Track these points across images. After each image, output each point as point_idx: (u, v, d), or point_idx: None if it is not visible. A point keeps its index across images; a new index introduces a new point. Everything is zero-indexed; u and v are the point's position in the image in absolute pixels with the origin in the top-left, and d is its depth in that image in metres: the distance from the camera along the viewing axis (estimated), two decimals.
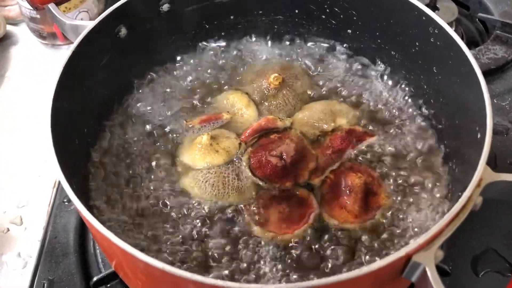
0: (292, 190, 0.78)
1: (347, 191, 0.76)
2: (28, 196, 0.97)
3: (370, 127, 0.86)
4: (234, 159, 0.81)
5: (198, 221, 0.76)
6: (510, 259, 0.84)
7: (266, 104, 0.89)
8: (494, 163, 0.96)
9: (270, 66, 0.94)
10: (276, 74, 0.89)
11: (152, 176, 0.82)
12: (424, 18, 0.80)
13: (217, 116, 0.87)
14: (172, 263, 0.71)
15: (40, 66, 1.19)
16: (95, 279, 0.81)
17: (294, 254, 0.72)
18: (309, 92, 0.91)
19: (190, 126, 0.86)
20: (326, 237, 0.74)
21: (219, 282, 0.52)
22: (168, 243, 0.74)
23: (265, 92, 0.89)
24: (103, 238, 0.58)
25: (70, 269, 0.84)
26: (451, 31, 0.76)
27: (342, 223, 0.75)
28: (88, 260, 0.86)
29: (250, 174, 0.79)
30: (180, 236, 0.74)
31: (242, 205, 0.76)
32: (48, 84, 0.72)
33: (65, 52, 0.76)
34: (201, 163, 0.80)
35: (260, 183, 0.78)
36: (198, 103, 0.91)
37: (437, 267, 0.58)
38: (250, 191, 0.78)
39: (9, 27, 1.26)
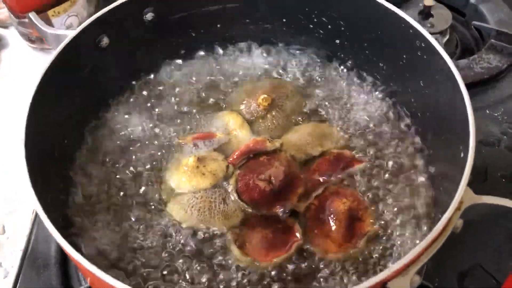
0: (278, 216, 0.75)
1: (331, 218, 0.74)
2: (12, 204, 0.96)
3: (357, 146, 0.84)
4: (222, 182, 0.79)
5: (178, 244, 0.74)
6: (497, 275, 0.82)
7: (255, 125, 0.86)
8: (484, 176, 0.94)
9: (261, 85, 0.91)
10: (265, 95, 0.86)
11: (134, 194, 0.80)
12: (411, 31, 0.78)
13: (211, 135, 0.84)
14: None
15: (29, 69, 1.18)
16: None
17: (269, 282, 0.70)
18: (298, 112, 0.89)
19: (182, 143, 0.84)
20: (306, 264, 0.72)
21: None
22: (144, 264, 0.73)
23: (254, 113, 0.87)
24: (75, 260, 0.57)
25: (50, 280, 0.83)
26: (437, 45, 0.75)
27: (325, 253, 0.73)
28: (69, 272, 0.85)
29: (236, 198, 0.76)
30: (157, 257, 0.73)
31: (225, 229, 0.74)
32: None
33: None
34: (187, 186, 0.78)
35: (247, 208, 0.76)
36: (186, 120, 0.88)
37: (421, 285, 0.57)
38: (237, 216, 0.76)
39: None
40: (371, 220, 0.75)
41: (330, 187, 0.79)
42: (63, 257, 0.86)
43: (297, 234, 0.73)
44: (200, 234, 0.74)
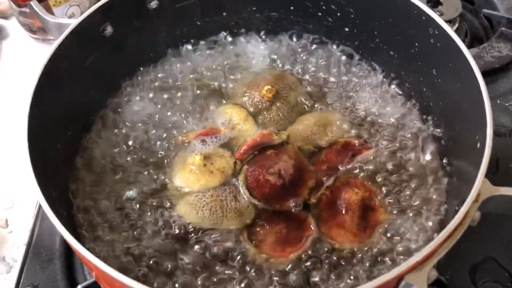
0: (291, 210, 0.74)
1: (344, 209, 0.73)
2: (14, 197, 0.94)
3: (366, 136, 0.82)
4: (231, 179, 0.76)
5: (187, 241, 0.72)
6: (510, 268, 0.81)
7: (260, 117, 0.84)
8: (495, 167, 0.92)
9: (262, 77, 0.88)
10: (269, 86, 0.84)
11: (139, 191, 0.78)
12: (424, 18, 0.76)
13: (214, 130, 0.82)
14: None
15: (30, 60, 1.16)
16: (79, 287, 0.78)
17: (288, 278, 0.69)
18: (303, 102, 0.87)
19: (186, 141, 0.81)
20: (322, 257, 0.70)
21: None
22: (149, 259, 0.71)
23: (258, 105, 0.84)
24: (80, 254, 0.56)
25: (55, 274, 0.82)
26: (451, 32, 0.73)
27: (340, 243, 0.71)
28: (74, 266, 0.84)
29: (248, 194, 0.74)
30: (162, 252, 0.71)
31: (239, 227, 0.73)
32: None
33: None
34: (196, 186, 0.75)
35: (258, 204, 0.74)
36: (191, 114, 0.86)
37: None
38: (250, 212, 0.74)
39: None
40: (383, 210, 0.74)
41: (341, 178, 0.77)
42: (68, 251, 0.85)
43: (311, 227, 0.72)
44: (213, 232, 0.73)
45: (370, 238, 0.71)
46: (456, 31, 1.13)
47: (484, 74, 1.01)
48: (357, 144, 0.81)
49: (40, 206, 0.90)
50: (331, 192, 0.76)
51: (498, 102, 1.02)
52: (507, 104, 1.02)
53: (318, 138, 0.81)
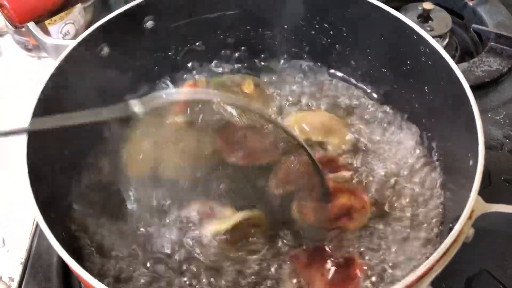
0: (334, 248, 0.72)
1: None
2: (11, 216, 0.94)
3: (358, 153, 0.84)
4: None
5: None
6: (504, 281, 0.82)
7: None
8: (488, 180, 0.93)
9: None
10: None
11: (140, 211, 0.78)
12: (415, 36, 0.78)
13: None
14: None
15: (26, 78, 1.16)
16: None
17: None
18: None
19: None
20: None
21: None
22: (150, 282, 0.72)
23: None
24: (79, 276, 0.56)
25: None
26: (443, 51, 0.74)
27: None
28: (71, 285, 0.84)
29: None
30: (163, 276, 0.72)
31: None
32: (32, 98, 0.70)
33: (50, 65, 0.74)
34: None
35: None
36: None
37: None
38: None
39: None
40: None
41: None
42: (65, 270, 0.85)
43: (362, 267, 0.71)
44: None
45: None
46: (447, 46, 1.15)
47: (475, 88, 1.05)
48: (338, 163, 0.81)
49: (37, 225, 0.90)
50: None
51: (489, 115, 1.04)
52: (497, 118, 1.04)
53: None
